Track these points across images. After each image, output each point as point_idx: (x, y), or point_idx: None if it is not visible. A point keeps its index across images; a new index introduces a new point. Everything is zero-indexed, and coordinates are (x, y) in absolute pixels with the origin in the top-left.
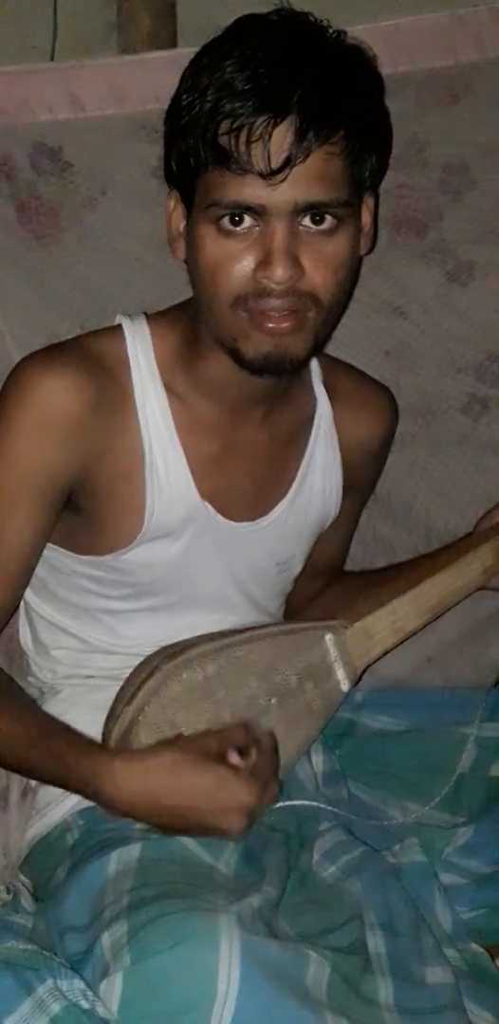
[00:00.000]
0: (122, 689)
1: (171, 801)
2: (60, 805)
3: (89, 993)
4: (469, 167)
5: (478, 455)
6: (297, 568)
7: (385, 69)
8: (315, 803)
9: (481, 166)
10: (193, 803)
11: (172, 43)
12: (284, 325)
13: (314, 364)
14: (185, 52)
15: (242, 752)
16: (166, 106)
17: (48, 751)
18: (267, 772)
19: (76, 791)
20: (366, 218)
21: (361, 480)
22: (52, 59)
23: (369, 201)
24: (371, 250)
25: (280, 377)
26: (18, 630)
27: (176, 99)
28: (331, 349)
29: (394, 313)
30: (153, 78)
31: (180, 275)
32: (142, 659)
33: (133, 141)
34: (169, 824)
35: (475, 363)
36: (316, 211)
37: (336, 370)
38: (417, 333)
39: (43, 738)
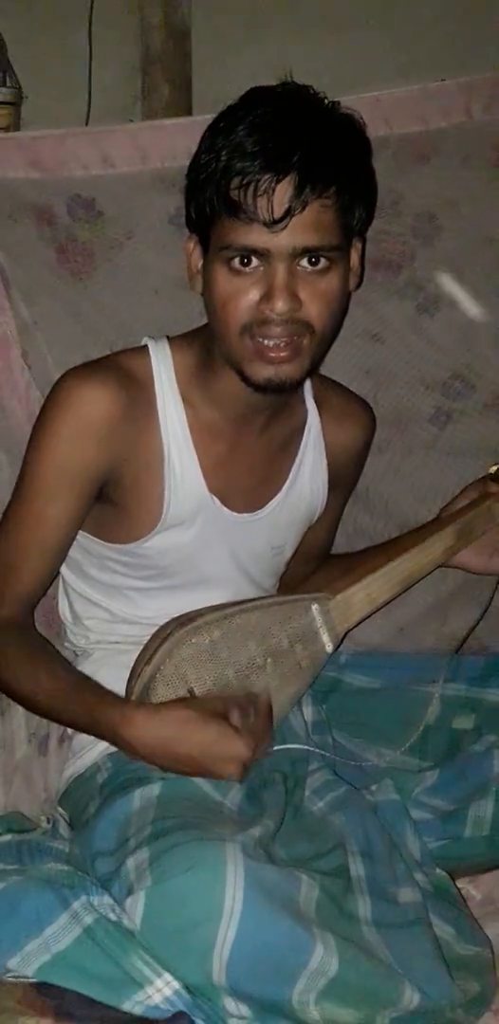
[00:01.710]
0: (142, 652)
1: (180, 748)
2: (92, 750)
3: (116, 908)
4: (436, 216)
5: (443, 458)
6: (289, 553)
7: (367, 133)
8: (306, 747)
9: (447, 215)
10: (198, 751)
11: (188, 111)
12: (283, 355)
13: (307, 381)
14: (199, 119)
15: (245, 713)
16: (182, 164)
17: (80, 704)
18: (262, 730)
19: (103, 738)
20: (355, 260)
21: (344, 480)
22: (87, 124)
23: (357, 245)
24: (359, 286)
25: (280, 395)
26: (58, 603)
27: (196, 157)
28: (320, 368)
29: (373, 339)
30: (171, 140)
31: (190, 306)
32: (158, 628)
33: (154, 193)
34: (178, 767)
35: (441, 381)
36: (311, 254)
37: (325, 386)
38: (392, 356)
39: (76, 692)
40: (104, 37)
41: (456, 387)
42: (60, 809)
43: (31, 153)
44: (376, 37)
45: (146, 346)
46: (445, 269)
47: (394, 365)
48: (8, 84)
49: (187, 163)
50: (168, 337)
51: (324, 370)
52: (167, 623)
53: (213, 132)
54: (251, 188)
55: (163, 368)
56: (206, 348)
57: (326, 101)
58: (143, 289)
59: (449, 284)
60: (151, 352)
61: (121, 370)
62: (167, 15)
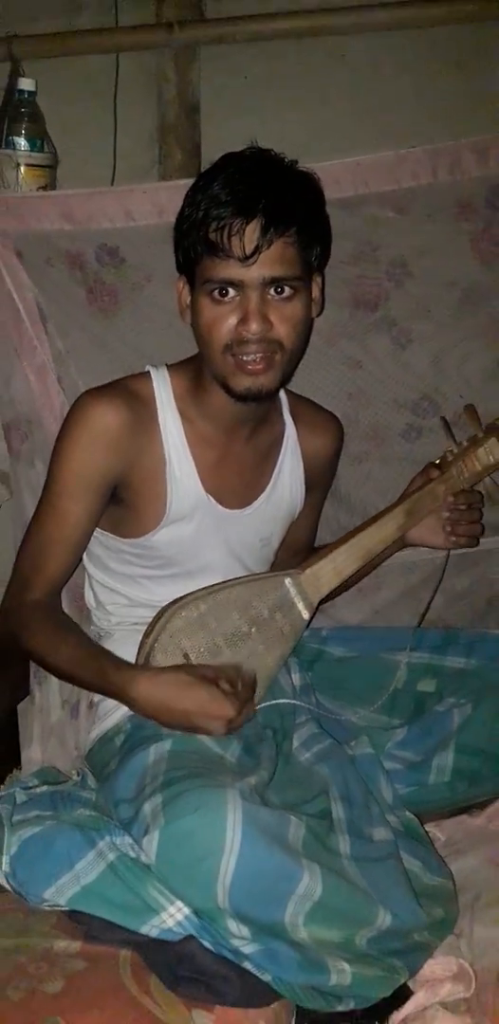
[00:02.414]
0: (146, 629)
1: (176, 705)
2: (114, 714)
3: (135, 846)
4: (408, 263)
5: (414, 468)
6: (276, 543)
7: (348, 192)
8: (293, 701)
9: (417, 263)
10: (190, 708)
11: (198, 172)
12: (259, 367)
13: (283, 397)
14: None
15: (232, 683)
16: None
17: (94, 669)
18: (246, 696)
19: (114, 697)
20: (315, 292)
21: (319, 481)
22: (112, 184)
23: (318, 279)
24: (320, 313)
25: (259, 403)
26: (84, 592)
27: (181, 211)
28: (310, 391)
29: (355, 366)
30: (183, 198)
31: (193, 339)
32: (160, 609)
33: (169, 243)
34: (174, 722)
35: (412, 402)
36: (278, 284)
37: (299, 402)
38: (371, 380)
39: (91, 660)
40: (126, 110)
41: (424, 407)
42: (88, 764)
43: (65, 208)
44: (358, 106)
45: (148, 372)
46: (415, 308)
47: (372, 388)
48: (46, 150)
49: None
50: (167, 364)
51: (313, 393)
52: (165, 605)
53: (194, 189)
54: (226, 230)
55: (163, 389)
56: (198, 371)
57: (286, 160)
58: (159, 324)
59: (418, 321)
60: (152, 376)
61: (127, 391)
62: (180, 91)
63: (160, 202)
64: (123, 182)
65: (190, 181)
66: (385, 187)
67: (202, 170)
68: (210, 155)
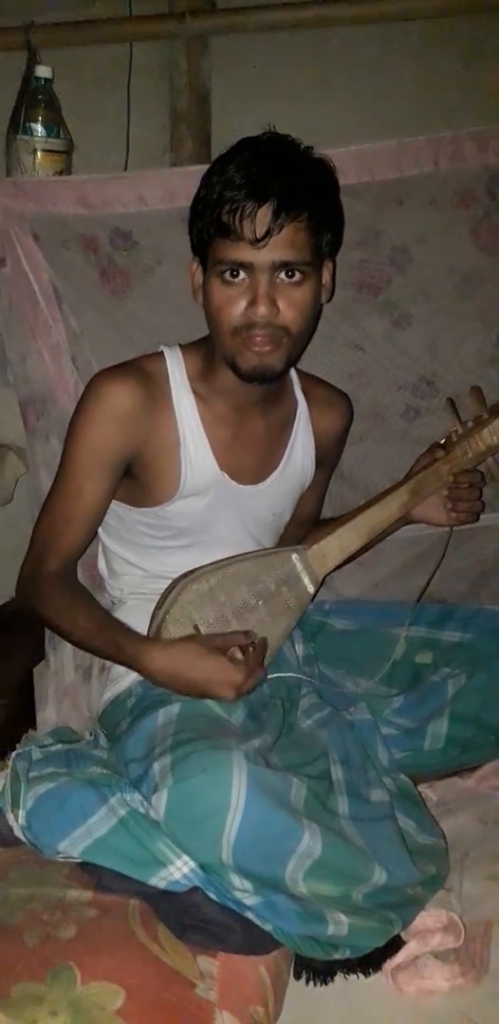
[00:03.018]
0: (159, 601)
1: (187, 674)
2: (125, 678)
3: (145, 803)
4: (409, 248)
5: (412, 447)
6: (287, 517)
7: (352, 180)
8: (298, 675)
9: (417, 248)
10: (201, 677)
11: (208, 160)
12: (266, 348)
13: (294, 376)
14: None
15: (243, 649)
16: None
17: (107, 639)
18: (255, 662)
19: (127, 666)
20: (326, 277)
21: (328, 457)
22: (125, 169)
23: (329, 265)
24: (330, 300)
25: (266, 384)
26: (98, 561)
27: (197, 193)
28: (313, 371)
29: (356, 348)
30: (194, 184)
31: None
32: (171, 582)
33: (180, 227)
34: (184, 689)
35: (411, 383)
36: (288, 268)
37: (310, 381)
38: (371, 362)
39: (105, 630)
40: (139, 98)
41: (423, 388)
42: (100, 725)
43: (80, 193)
44: (364, 96)
45: (162, 352)
46: (416, 292)
47: (373, 370)
48: (62, 136)
49: None
50: (180, 344)
51: (317, 372)
52: (177, 577)
53: (210, 172)
54: (238, 213)
55: (176, 369)
56: (210, 351)
57: (302, 146)
58: (170, 306)
59: (418, 305)
60: (166, 356)
61: (141, 371)
62: (191, 80)
63: (171, 187)
64: (136, 168)
65: (201, 167)
66: (388, 175)
67: (212, 157)
68: (220, 142)
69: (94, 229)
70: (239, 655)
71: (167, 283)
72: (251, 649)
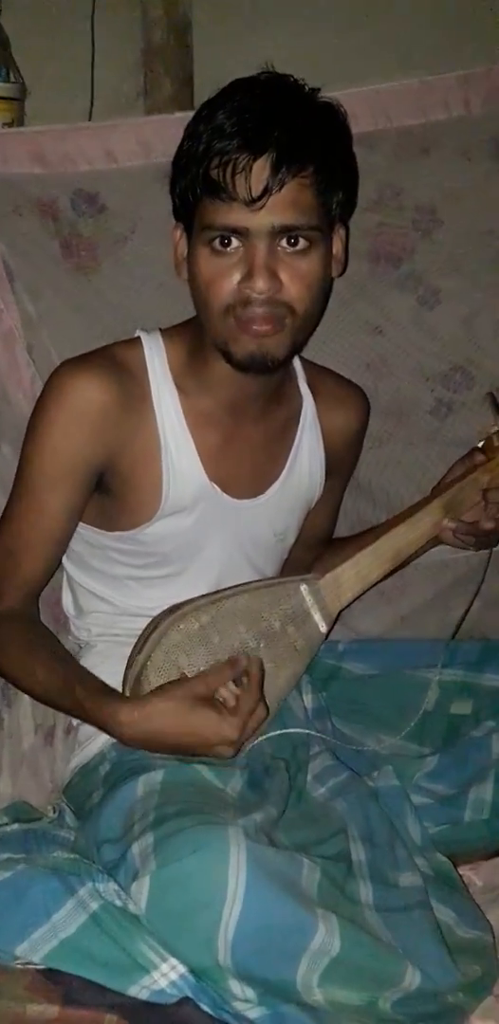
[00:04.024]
0: (136, 643)
1: (167, 740)
2: (96, 740)
3: (121, 894)
4: (436, 209)
5: (444, 450)
6: (291, 538)
7: (366, 127)
8: (307, 731)
9: (447, 208)
10: (184, 740)
11: (190, 105)
12: (265, 328)
13: (299, 367)
14: None
15: (236, 683)
16: None
17: (72, 698)
18: (252, 702)
19: (99, 729)
20: (338, 247)
21: (341, 464)
22: (90, 119)
23: (340, 232)
24: (342, 273)
25: (265, 374)
26: (62, 596)
27: (180, 146)
28: (321, 360)
29: (373, 331)
30: (174, 134)
31: (190, 300)
32: (152, 619)
33: (157, 187)
34: (169, 752)
35: (441, 373)
36: (291, 234)
37: (317, 373)
38: (392, 348)
39: (68, 687)
40: (106, 33)
41: (456, 379)
42: (65, 798)
43: (35, 148)
44: (375, 31)
45: (139, 338)
46: (445, 262)
47: (394, 358)
48: (12, 79)
49: None
50: (160, 329)
51: (325, 362)
52: (159, 614)
53: (196, 120)
54: (229, 167)
55: (156, 358)
56: (197, 337)
57: (306, 88)
58: (148, 283)
59: (448, 277)
60: (144, 343)
61: (114, 361)
62: (168, 9)
63: (146, 139)
64: (103, 117)
65: (183, 114)
66: (410, 120)
67: (195, 102)
68: (204, 84)
69: (53, 191)
70: (231, 698)
71: (143, 256)
72: (245, 680)
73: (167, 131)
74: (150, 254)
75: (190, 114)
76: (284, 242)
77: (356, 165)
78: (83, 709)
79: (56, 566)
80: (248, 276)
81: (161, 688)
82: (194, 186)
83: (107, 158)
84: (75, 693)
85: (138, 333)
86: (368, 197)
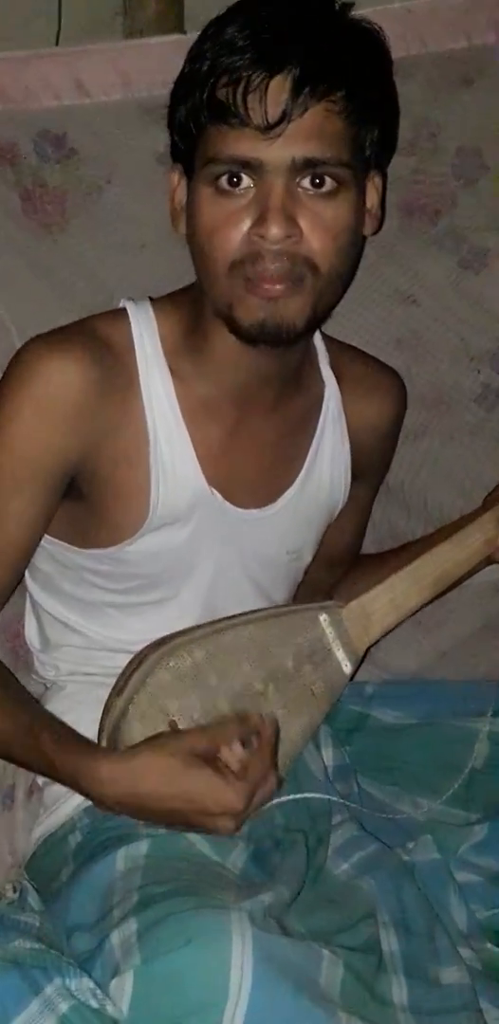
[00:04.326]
0: (115, 683)
1: (157, 805)
2: (66, 803)
3: (98, 992)
4: (482, 152)
5: (493, 446)
6: (308, 557)
7: (396, 52)
8: (327, 796)
9: (495, 151)
10: (179, 807)
11: (179, 27)
12: (279, 287)
13: (321, 346)
14: (192, 37)
15: (243, 743)
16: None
17: (37, 749)
18: (262, 769)
19: (73, 789)
20: (372, 197)
21: (370, 465)
22: (56, 44)
23: (376, 180)
24: (377, 232)
25: (278, 348)
26: (24, 627)
27: (181, 71)
28: (341, 337)
29: (405, 301)
30: (159, 63)
31: (185, 263)
32: (135, 654)
33: (139, 127)
34: (160, 823)
35: (489, 352)
36: (314, 169)
37: (343, 353)
38: (429, 321)
39: (33, 734)
40: None
41: None
42: (29, 875)
43: None
44: None
45: (125, 309)
46: (492, 216)
47: (432, 333)
48: None
49: None
50: (151, 299)
51: (345, 339)
52: (144, 648)
53: (202, 38)
54: (241, 86)
55: (146, 334)
56: (195, 307)
57: (338, 2)
58: (127, 243)
59: (498, 234)
60: (131, 316)
61: (94, 338)
62: None
63: (126, 69)
64: (73, 41)
65: (171, 38)
66: (449, 44)
67: (186, 25)
68: (197, 4)
69: (11, 132)
70: (235, 761)
71: (122, 209)
72: (254, 741)
73: (151, 59)
74: (131, 208)
75: (177, 38)
76: (306, 181)
77: (397, 98)
78: (51, 763)
79: (16, 584)
80: (260, 221)
81: (150, 740)
82: (197, 112)
83: (77, 91)
84: (41, 743)
85: (123, 303)
86: (400, 137)
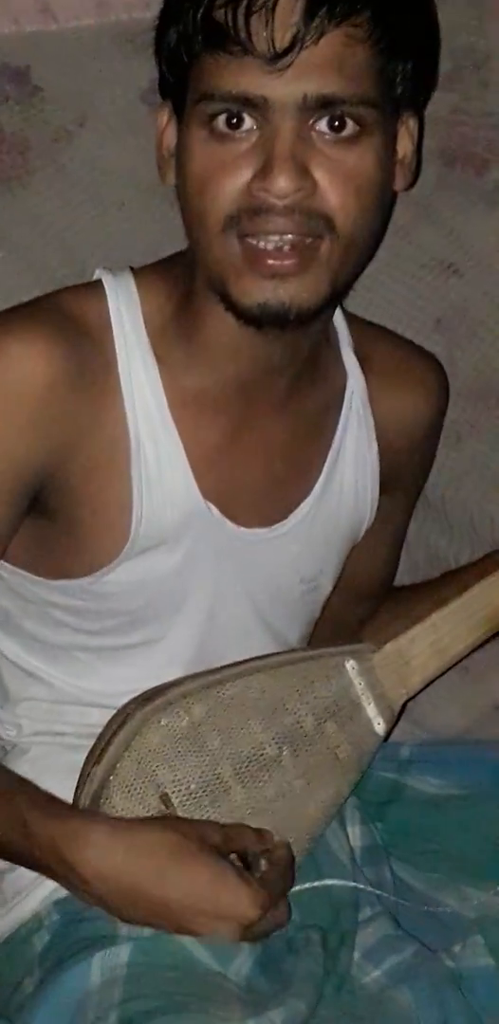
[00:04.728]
0: (93, 746)
1: (157, 891)
2: (30, 897)
3: None
4: None
5: None
6: (327, 587)
7: None
8: (354, 883)
9: None
10: (184, 900)
11: None
12: (287, 263)
13: (343, 327)
14: None
15: (247, 861)
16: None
17: (8, 815)
18: (282, 888)
19: (42, 869)
20: (405, 144)
21: (404, 473)
22: None
23: (409, 123)
24: (411, 186)
25: (291, 330)
26: None
27: None
28: (365, 316)
29: (446, 271)
30: None
31: (171, 224)
32: (118, 709)
33: (117, 58)
34: (144, 918)
35: None
36: (332, 109)
37: (370, 336)
38: (476, 296)
39: (3, 799)
40: None
41: None
42: None
43: None
44: None
45: (100, 282)
46: None
47: (478, 311)
48: None
49: None
50: (132, 269)
51: (373, 318)
52: (128, 701)
53: None
54: (242, 6)
55: (126, 313)
56: (187, 281)
57: None
58: (102, 200)
59: None
60: (108, 290)
61: (64, 317)
62: None
63: None
64: None
65: None
66: None
67: None
68: None
69: None
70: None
71: (96, 159)
72: (264, 865)
73: None
74: (107, 157)
75: None
76: (323, 124)
77: (436, 20)
78: (24, 830)
79: None
80: (264, 171)
81: (155, 818)
82: (189, 38)
83: (43, 15)
84: (13, 806)
85: (99, 274)
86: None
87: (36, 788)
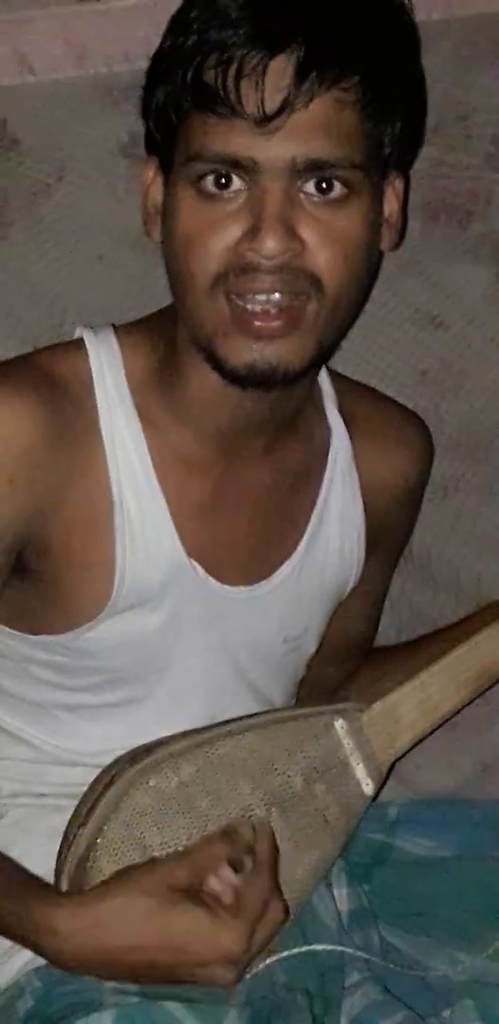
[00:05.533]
0: (78, 807)
1: (134, 959)
2: (13, 960)
3: None
4: None
5: None
6: (311, 646)
7: (417, 17)
8: (341, 947)
9: None
10: (164, 960)
11: None
12: (275, 324)
13: (327, 384)
14: (164, 1)
15: (234, 866)
16: (139, 68)
17: None
18: (262, 896)
19: (23, 944)
20: (392, 205)
21: (389, 532)
22: None
23: (396, 184)
24: (397, 246)
25: (276, 390)
26: None
27: (160, 45)
28: (350, 369)
29: (431, 323)
30: (122, 32)
31: (152, 279)
32: (103, 770)
33: (97, 112)
34: (136, 979)
35: None
36: (321, 173)
37: (354, 394)
38: (461, 348)
39: None
40: None
41: None
42: None
43: None
44: None
45: (82, 340)
46: None
47: (464, 363)
48: None
49: (147, 66)
50: (114, 327)
51: (357, 371)
52: (114, 761)
53: (187, 6)
54: (233, 68)
55: (108, 370)
56: (170, 337)
57: None
58: (81, 253)
59: None
60: (89, 348)
61: (44, 377)
62: None
63: (80, 40)
64: (13, 6)
65: (134, 2)
66: (482, 7)
67: None
68: None
69: None
70: (227, 890)
71: (76, 213)
72: (248, 862)
73: (112, 27)
74: (86, 211)
75: (149, 2)
76: (310, 186)
77: (424, 83)
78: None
79: None
80: (253, 232)
81: (118, 876)
82: (178, 97)
83: (20, 68)
84: None
85: (79, 332)
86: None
87: (9, 863)
